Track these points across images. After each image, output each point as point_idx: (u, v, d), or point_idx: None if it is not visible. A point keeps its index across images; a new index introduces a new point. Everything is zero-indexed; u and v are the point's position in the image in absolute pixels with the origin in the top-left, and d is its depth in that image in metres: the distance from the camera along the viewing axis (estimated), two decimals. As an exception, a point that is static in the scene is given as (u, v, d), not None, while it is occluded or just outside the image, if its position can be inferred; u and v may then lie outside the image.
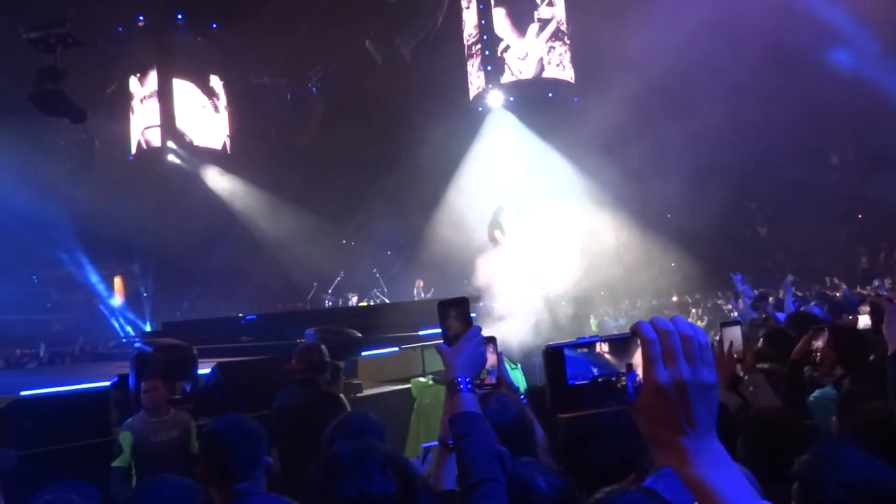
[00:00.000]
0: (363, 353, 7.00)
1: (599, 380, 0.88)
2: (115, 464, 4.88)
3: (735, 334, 3.30)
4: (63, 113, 15.55)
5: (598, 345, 0.89)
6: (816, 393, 3.31)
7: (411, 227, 20.74)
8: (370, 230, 21.55)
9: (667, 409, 0.84)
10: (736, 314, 9.21)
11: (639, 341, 0.87)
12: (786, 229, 21.61)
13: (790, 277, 10.15)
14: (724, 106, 16.60)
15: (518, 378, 7.37)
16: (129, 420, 5.12)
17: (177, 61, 23.27)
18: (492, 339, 2.70)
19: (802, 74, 17.71)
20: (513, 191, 15.77)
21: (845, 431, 2.37)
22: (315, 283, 17.83)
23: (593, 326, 11.68)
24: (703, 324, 13.02)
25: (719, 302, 15.10)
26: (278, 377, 6.42)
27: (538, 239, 13.56)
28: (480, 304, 10.41)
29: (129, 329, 20.78)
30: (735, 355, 3.31)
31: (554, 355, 0.89)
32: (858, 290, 12.92)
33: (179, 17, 22.99)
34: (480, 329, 1.91)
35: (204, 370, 6.26)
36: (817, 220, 20.84)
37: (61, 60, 14.56)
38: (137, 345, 5.54)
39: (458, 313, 1.94)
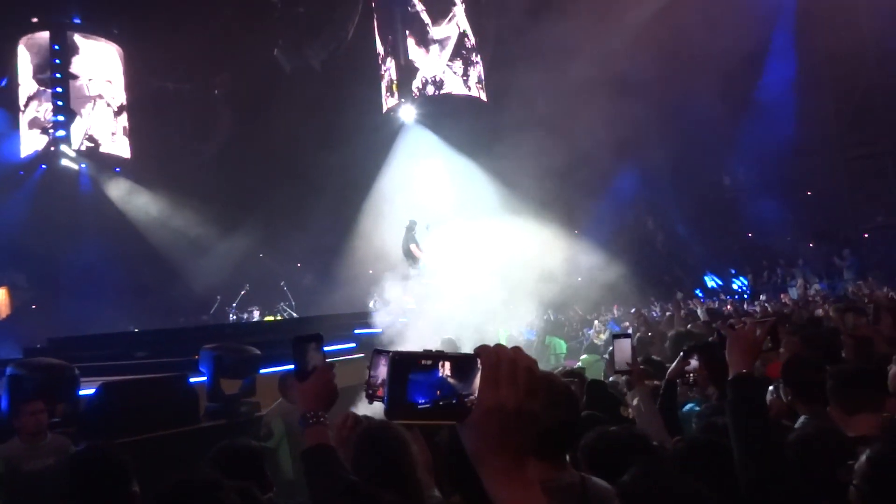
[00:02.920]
0: (262, 371, 6.80)
1: (441, 399, 0.91)
2: (-18, 495, 4.53)
3: (625, 347, 3.44)
4: None
5: (441, 361, 0.92)
6: (685, 408, 3.48)
7: (323, 240, 20.45)
8: (279, 242, 21.08)
9: (493, 430, 0.89)
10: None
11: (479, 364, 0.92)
12: (683, 246, 22.67)
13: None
14: (630, 120, 17.37)
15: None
16: (1, 446, 4.76)
17: (74, 62, 22.14)
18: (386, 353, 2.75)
19: (706, 100, 18.75)
20: (426, 204, 15.88)
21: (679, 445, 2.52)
22: (219, 297, 17.27)
23: (502, 339, 11.83)
24: (605, 336, 13.45)
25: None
26: (169, 397, 6.18)
27: (448, 252, 13.75)
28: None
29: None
30: (620, 369, 3.44)
31: (399, 365, 0.92)
32: (746, 306, 13.70)
33: (76, 19, 21.89)
34: (333, 365, 1.99)
35: (88, 390, 5.91)
36: (712, 237, 22.04)
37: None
38: (10, 366, 5.15)
39: (315, 348, 2.04)
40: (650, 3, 18.31)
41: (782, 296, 16.32)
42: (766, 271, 19.28)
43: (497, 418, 0.88)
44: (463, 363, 0.92)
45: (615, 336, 3.66)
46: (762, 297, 15.68)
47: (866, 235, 20.17)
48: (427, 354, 0.92)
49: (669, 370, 3.47)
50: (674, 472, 1.98)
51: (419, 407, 0.90)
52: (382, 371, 2.59)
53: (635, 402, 3.44)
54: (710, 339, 4.77)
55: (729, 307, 14.21)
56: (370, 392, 2.46)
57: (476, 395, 0.90)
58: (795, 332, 5.51)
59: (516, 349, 0.94)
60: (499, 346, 0.93)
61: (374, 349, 2.13)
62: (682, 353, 3.49)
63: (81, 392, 5.69)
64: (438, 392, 0.91)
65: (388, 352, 2.41)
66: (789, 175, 19.77)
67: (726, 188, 22.50)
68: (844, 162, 20.25)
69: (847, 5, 18.82)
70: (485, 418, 0.89)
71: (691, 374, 3.46)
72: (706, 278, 21.92)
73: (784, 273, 19.01)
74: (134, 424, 5.54)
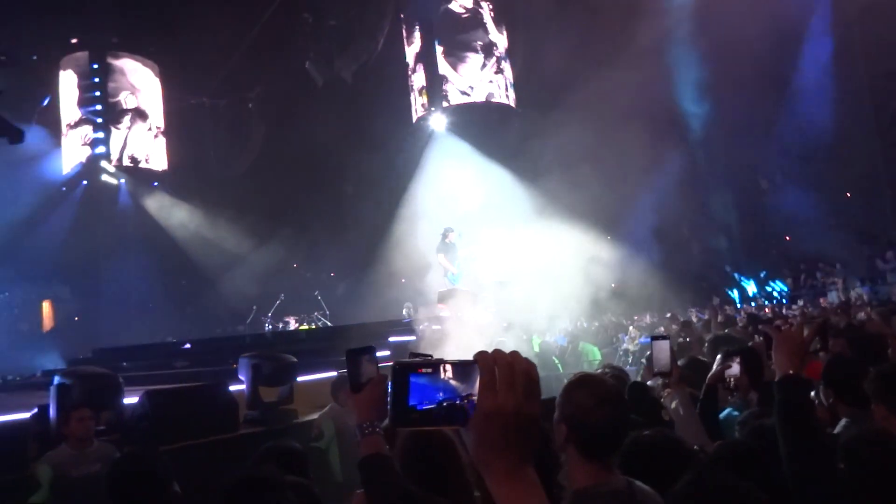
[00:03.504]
0: (298, 378, 6.88)
1: (444, 404, 0.94)
2: (33, 500, 4.65)
3: (664, 348, 3.39)
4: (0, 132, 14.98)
5: (442, 367, 0.95)
6: (724, 413, 3.43)
7: (356, 250, 20.61)
8: (312, 252, 21.32)
9: (492, 434, 0.91)
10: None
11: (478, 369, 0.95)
12: (719, 251, 22.31)
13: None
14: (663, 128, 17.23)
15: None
16: (50, 453, 4.88)
17: (113, 79, 22.74)
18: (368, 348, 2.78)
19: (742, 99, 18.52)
20: (459, 212, 15.91)
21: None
22: (255, 307, 17.51)
23: (535, 347, 11.78)
24: (638, 342, 13.29)
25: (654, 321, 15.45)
26: (210, 405, 6.28)
27: (483, 259, 13.75)
28: (421, 326, 10.43)
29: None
30: (660, 371, 3.40)
31: (400, 373, 0.96)
32: (784, 311, 13.43)
33: (114, 39, 22.51)
34: (387, 377, 2.02)
35: (132, 398, 6.05)
36: (750, 241, 21.66)
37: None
38: (58, 374, 5.30)
39: (368, 360, 2.12)
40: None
41: (821, 300, 15.95)
42: (803, 275, 18.86)
43: (496, 422, 0.91)
44: (463, 369, 0.95)
45: (653, 338, 3.60)
46: (800, 303, 15.33)
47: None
48: (427, 362, 0.96)
49: (710, 374, 3.42)
50: (725, 474, 1.94)
51: (421, 413, 0.93)
52: (368, 369, 2.62)
53: (673, 405, 3.39)
54: (751, 343, 4.68)
55: (768, 311, 13.94)
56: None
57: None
58: (838, 334, 5.39)
59: (514, 353, 0.96)
60: (497, 352, 0.95)
61: (347, 350, 2.16)
62: (721, 357, 3.44)
63: (125, 400, 5.81)
64: (441, 397, 0.94)
65: (364, 348, 2.42)
66: (828, 175, 19.36)
67: (762, 191, 22.11)
68: (885, 162, 19.76)
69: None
70: (484, 422, 0.91)
71: (732, 378, 3.41)
72: (744, 283, 21.55)
73: (823, 277, 18.58)
74: (176, 432, 5.65)
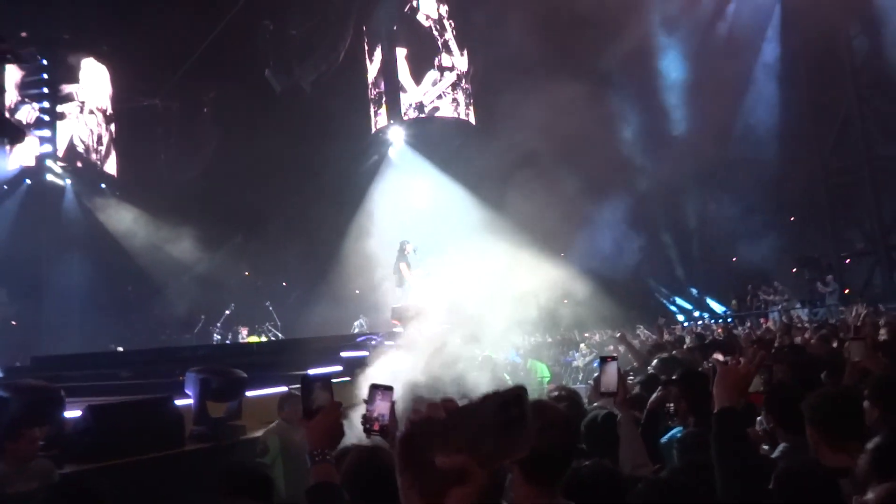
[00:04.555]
0: (248, 393, 6.78)
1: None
2: (-40, 520, 4.47)
3: (612, 370, 3.48)
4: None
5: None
6: (665, 437, 3.54)
7: (309, 259, 20.42)
8: (265, 260, 21.02)
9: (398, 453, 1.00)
10: None
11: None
12: (668, 270, 22.82)
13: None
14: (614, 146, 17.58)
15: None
16: (-17, 470, 4.71)
17: (62, 75, 22.10)
18: (388, 388, 2.78)
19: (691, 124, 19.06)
20: (413, 226, 15.92)
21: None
22: (203, 316, 17.16)
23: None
24: (591, 358, 13.50)
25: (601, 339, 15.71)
26: (155, 419, 6.13)
27: (438, 274, 13.77)
28: (375, 337, 10.41)
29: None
30: (606, 391, 3.49)
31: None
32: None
33: (66, 35, 21.90)
34: (340, 404, 2.05)
35: (73, 412, 5.86)
36: (697, 261, 22.24)
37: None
38: (-4, 387, 5.11)
39: (321, 387, 2.11)
40: (632, 31, 18.67)
41: (762, 321, 16.48)
42: (749, 295, 19.47)
43: (398, 444, 1.00)
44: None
45: (602, 359, 3.69)
46: (748, 323, 15.80)
47: (848, 261, 20.47)
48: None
49: (651, 399, 3.53)
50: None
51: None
52: (379, 405, 2.62)
53: (619, 427, 3.48)
54: (701, 368, 4.82)
55: (720, 331, 14.24)
56: (367, 426, 2.50)
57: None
58: (781, 357, 5.58)
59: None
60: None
61: (371, 384, 2.17)
62: (663, 384, 3.55)
63: (66, 414, 5.63)
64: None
65: (385, 387, 2.45)
66: (773, 200, 20.06)
67: (710, 213, 22.73)
68: (826, 188, 20.57)
69: (830, 31, 19.21)
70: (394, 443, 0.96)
71: (671, 405, 3.52)
72: (678, 299, 22.17)
73: (765, 296, 19.20)
74: (119, 447, 5.50)
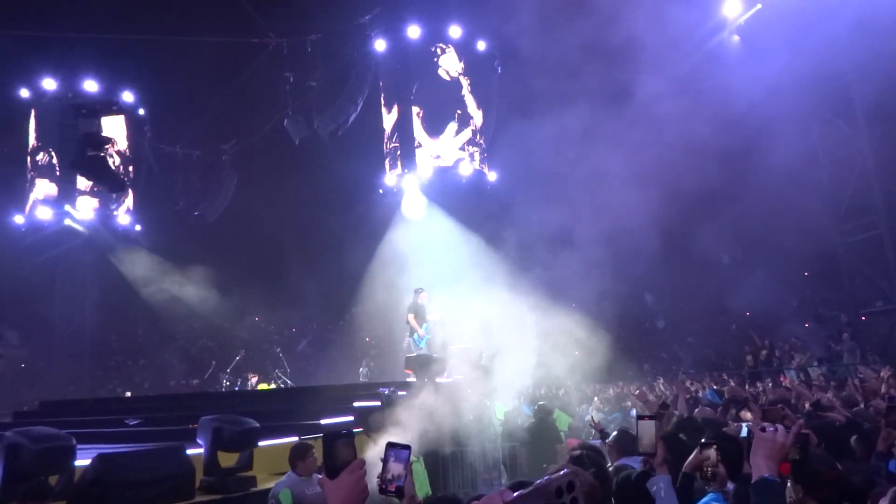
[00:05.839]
0: (260, 444, 6.67)
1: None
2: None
3: (649, 428, 3.39)
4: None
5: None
6: (705, 499, 3.43)
7: (320, 306, 20.41)
8: (275, 307, 21.02)
9: None
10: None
11: None
12: (682, 323, 22.65)
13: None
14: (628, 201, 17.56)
15: (419, 471, 7.26)
16: (-9, 519, 4.62)
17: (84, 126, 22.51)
18: (405, 447, 2.70)
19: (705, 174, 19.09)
20: (425, 274, 15.91)
21: None
22: (214, 362, 17.09)
23: (499, 415, 11.67)
24: (605, 412, 13.25)
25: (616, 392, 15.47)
26: (165, 469, 6.02)
27: (451, 322, 13.67)
28: (386, 390, 10.29)
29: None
30: (644, 451, 3.39)
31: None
32: (747, 387, 13.56)
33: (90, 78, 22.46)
34: (364, 462, 1.98)
35: (83, 460, 5.76)
36: (710, 315, 22.03)
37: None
38: (8, 433, 5.03)
39: (344, 443, 2.08)
40: (643, 83, 18.88)
41: (782, 378, 16.16)
42: (765, 351, 19.16)
43: None
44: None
45: (639, 417, 3.60)
46: (767, 381, 15.50)
47: (864, 318, 20.17)
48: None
49: (686, 462, 3.43)
50: None
51: None
52: (394, 467, 2.55)
53: (654, 487, 3.38)
54: (727, 429, 4.69)
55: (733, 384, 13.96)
56: (383, 486, 2.42)
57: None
58: (808, 425, 5.43)
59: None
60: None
61: (388, 442, 2.12)
62: (700, 445, 3.45)
63: (76, 462, 5.54)
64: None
65: (402, 445, 2.38)
66: (789, 254, 19.92)
67: (724, 266, 22.64)
68: (843, 246, 20.40)
69: (844, 84, 19.34)
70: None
71: (709, 469, 3.42)
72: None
73: (781, 353, 18.89)
74: (129, 498, 5.40)
